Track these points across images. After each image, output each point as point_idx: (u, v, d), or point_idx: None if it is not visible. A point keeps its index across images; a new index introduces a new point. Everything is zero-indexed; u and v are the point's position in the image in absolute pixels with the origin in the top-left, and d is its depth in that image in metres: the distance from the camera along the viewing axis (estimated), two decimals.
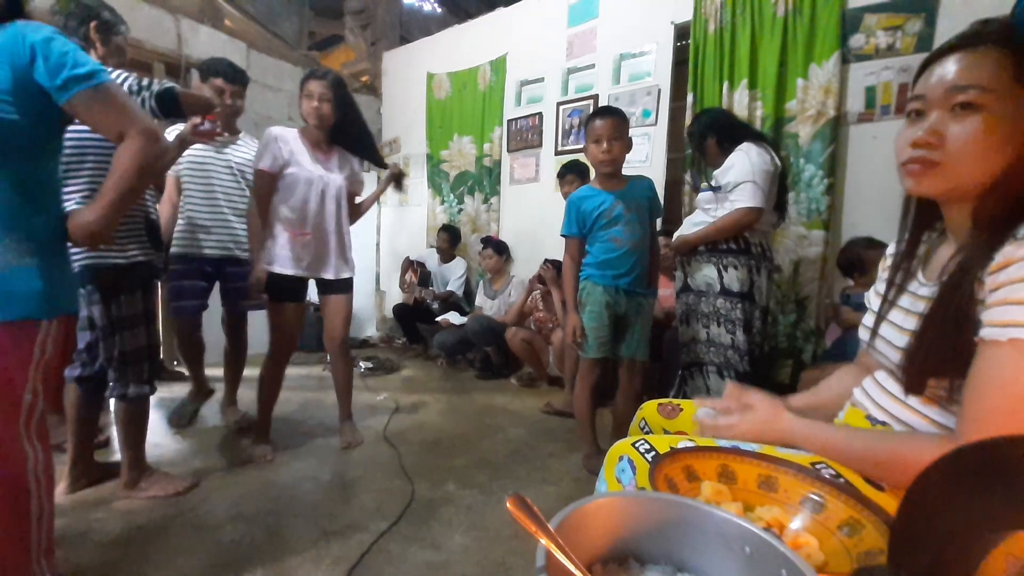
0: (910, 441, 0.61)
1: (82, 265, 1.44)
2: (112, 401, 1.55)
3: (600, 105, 3.23)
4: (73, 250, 1.40)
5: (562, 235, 1.92)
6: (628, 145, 1.81)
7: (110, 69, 1.43)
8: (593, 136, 1.77)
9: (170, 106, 1.46)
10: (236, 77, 2.03)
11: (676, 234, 2.04)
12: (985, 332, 0.54)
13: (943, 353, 0.60)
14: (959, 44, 0.60)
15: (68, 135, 1.34)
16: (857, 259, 2.15)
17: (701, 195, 1.96)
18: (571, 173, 2.84)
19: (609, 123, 1.74)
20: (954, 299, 0.59)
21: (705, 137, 2.00)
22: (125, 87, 1.42)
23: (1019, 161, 0.58)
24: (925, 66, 0.65)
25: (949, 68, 0.60)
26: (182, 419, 2.17)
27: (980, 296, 0.56)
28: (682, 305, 2.00)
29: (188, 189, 2.08)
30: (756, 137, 1.92)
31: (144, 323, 1.53)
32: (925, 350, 0.62)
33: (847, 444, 0.65)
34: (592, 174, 1.96)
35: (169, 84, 1.47)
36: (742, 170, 1.78)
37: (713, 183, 1.90)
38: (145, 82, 1.45)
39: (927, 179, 0.63)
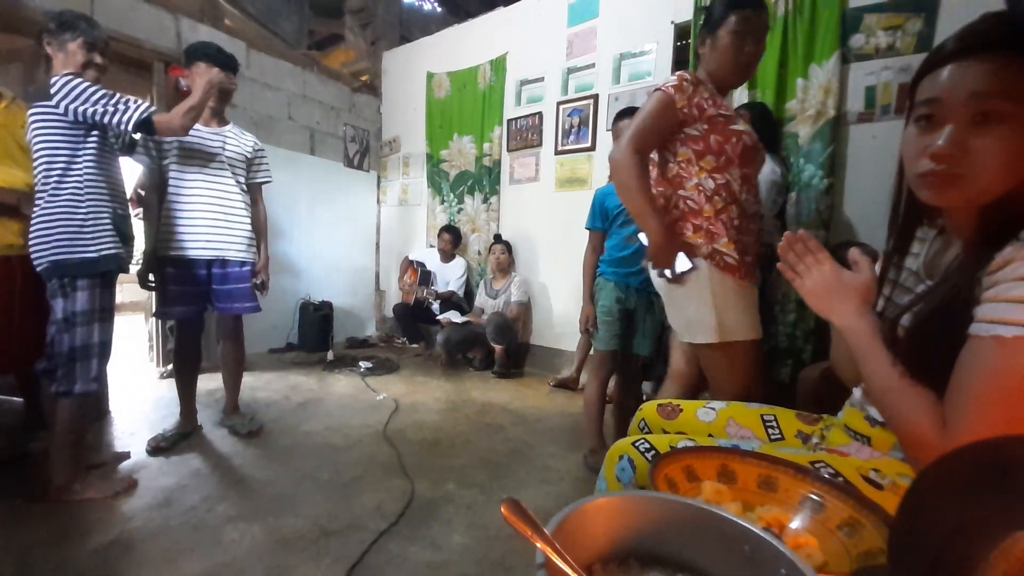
0: (917, 414, 0.59)
1: (51, 260, 1.49)
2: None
3: (598, 103, 3.23)
4: (43, 245, 1.49)
5: (586, 228, 1.99)
6: None
7: (75, 75, 1.51)
8: (616, 136, 1.88)
9: (147, 132, 1.60)
10: (223, 61, 1.91)
11: None
12: (972, 327, 0.55)
13: (935, 350, 0.60)
14: (972, 45, 0.57)
15: None
16: (838, 261, 2.19)
17: None
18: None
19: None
20: (950, 297, 0.59)
21: (762, 125, 1.98)
22: (102, 104, 1.51)
23: None
24: (931, 67, 0.61)
25: (969, 73, 0.56)
26: (161, 442, 1.94)
27: (977, 295, 0.56)
28: None
29: (176, 185, 1.93)
30: (775, 148, 1.97)
31: (98, 320, 1.55)
32: (917, 346, 0.63)
33: (881, 379, 0.63)
34: None
35: (147, 114, 1.56)
36: None
37: None
38: (122, 104, 1.54)
39: (949, 192, 0.60)
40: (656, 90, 1.29)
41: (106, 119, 1.52)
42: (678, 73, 1.30)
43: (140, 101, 1.58)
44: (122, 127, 1.54)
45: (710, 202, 1.27)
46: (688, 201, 1.29)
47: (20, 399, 1.97)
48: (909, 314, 0.66)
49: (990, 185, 0.58)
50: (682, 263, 1.25)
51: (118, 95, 1.55)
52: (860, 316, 0.67)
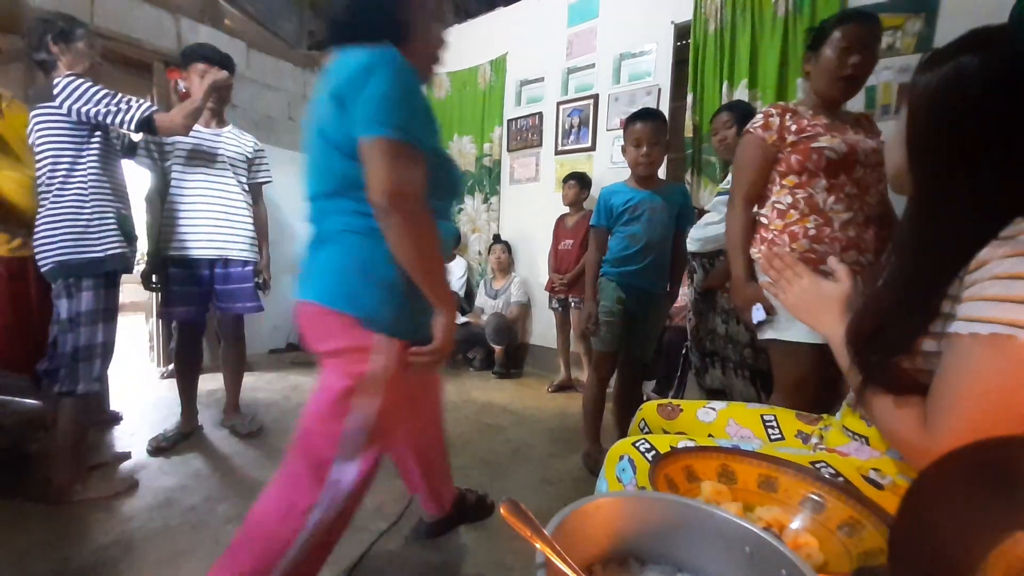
0: (897, 416, 0.60)
1: (56, 261, 1.50)
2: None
3: (598, 103, 3.24)
4: (48, 246, 1.50)
5: (590, 225, 1.97)
6: (665, 149, 1.84)
7: (77, 75, 1.53)
8: (632, 139, 1.79)
9: (149, 132, 1.61)
10: (220, 61, 1.89)
11: (690, 237, 2.04)
12: (952, 326, 0.55)
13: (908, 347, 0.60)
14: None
15: None
16: None
17: (720, 197, 1.98)
18: (573, 179, 3.09)
19: (650, 128, 1.76)
20: (931, 295, 0.60)
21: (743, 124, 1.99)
22: (104, 104, 1.52)
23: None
24: None
25: None
26: (162, 442, 1.95)
27: (955, 292, 0.56)
28: (702, 298, 2.02)
29: (178, 185, 1.94)
30: None
31: (102, 320, 1.55)
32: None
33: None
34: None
35: (148, 112, 1.57)
36: None
37: (728, 186, 1.92)
38: (124, 104, 1.54)
39: None
40: (745, 133, 1.39)
41: (108, 119, 1.53)
42: (763, 110, 1.38)
43: (142, 101, 1.59)
44: (124, 126, 1.56)
45: (781, 216, 1.34)
46: (761, 217, 1.39)
47: (20, 399, 1.96)
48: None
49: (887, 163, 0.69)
50: (757, 314, 1.32)
51: (120, 95, 1.56)
52: (841, 324, 0.70)
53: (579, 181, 3.07)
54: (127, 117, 1.54)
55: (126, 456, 1.86)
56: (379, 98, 0.80)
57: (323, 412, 0.89)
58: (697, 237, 2.03)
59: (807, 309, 0.74)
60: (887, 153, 0.69)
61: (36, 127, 1.53)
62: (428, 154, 0.85)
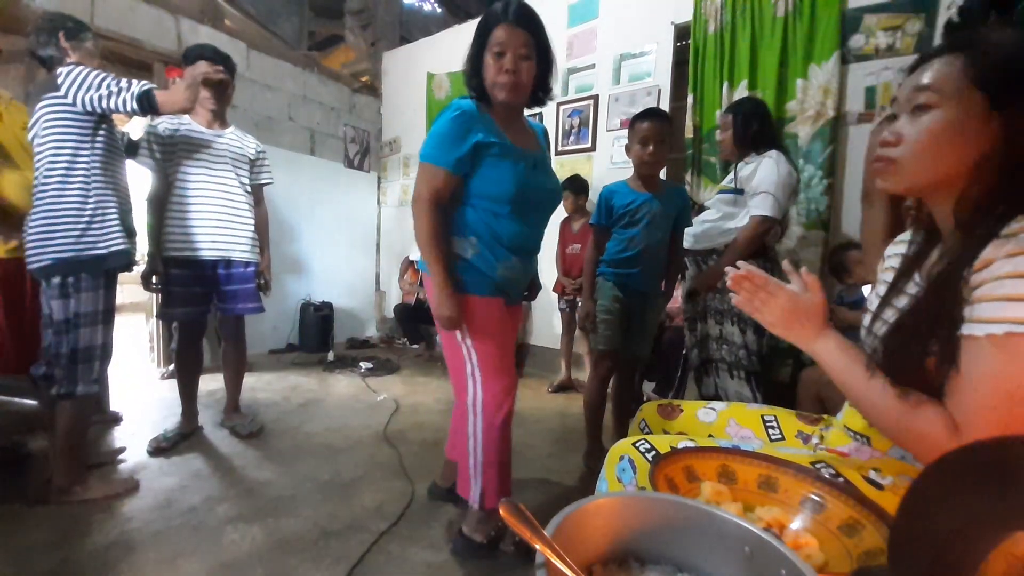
0: (923, 421, 0.58)
1: (54, 258, 1.48)
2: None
3: (598, 103, 3.24)
4: (46, 242, 1.48)
5: (589, 224, 1.97)
6: (669, 148, 1.84)
7: (87, 68, 1.53)
8: (638, 137, 1.79)
9: (148, 106, 1.55)
10: (221, 61, 1.89)
11: (686, 232, 2.03)
12: (965, 328, 0.55)
13: (919, 350, 0.60)
14: (934, 53, 0.63)
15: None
16: (839, 263, 2.24)
17: (720, 195, 1.96)
18: (566, 188, 2.98)
19: (657, 126, 1.76)
20: (937, 297, 0.59)
21: (749, 124, 1.91)
22: (105, 87, 1.50)
23: (985, 161, 0.59)
24: (909, 73, 0.67)
25: (918, 73, 0.64)
26: (163, 443, 1.94)
27: (964, 294, 0.56)
28: (698, 302, 2.01)
29: (180, 186, 1.93)
30: (780, 147, 1.90)
31: (101, 321, 1.54)
32: (901, 346, 0.63)
33: (867, 395, 0.63)
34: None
35: (147, 87, 1.54)
36: (766, 179, 1.79)
37: (735, 185, 1.90)
38: (124, 83, 1.52)
39: (887, 176, 0.67)
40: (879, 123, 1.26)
41: (110, 101, 1.50)
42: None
43: (142, 81, 1.55)
44: (125, 106, 1.51)
45: None
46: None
47: (20, 399, 1.96)
48: (892, 312, 0.67)
49: (920, 170, 0.63)
50: None
51: (119, 77, 1.53)
52: (820, 336, 0.69)
53: (573, 189, 3.02)
54: (127, 96, 1.51)
55: (121, 450, 1.86)
56: (428, 135, 1.23)
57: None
58: (692, 232, 2.01)
59: (786, 326, 0.72)
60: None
61: (41, 118, 1.51)
62: (478, 172, 1.24)
